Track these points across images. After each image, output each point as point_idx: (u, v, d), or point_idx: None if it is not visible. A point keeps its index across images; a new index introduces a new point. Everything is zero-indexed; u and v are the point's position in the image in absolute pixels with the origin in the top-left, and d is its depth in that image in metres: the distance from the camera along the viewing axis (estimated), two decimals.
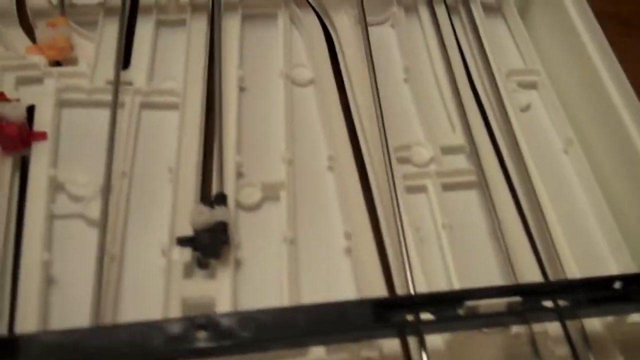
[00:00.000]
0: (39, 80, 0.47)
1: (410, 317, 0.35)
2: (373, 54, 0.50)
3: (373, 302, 0.35)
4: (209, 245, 0.39)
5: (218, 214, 0.40)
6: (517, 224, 0.44)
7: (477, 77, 0.52)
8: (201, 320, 0.33)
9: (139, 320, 0.33)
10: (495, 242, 0.43)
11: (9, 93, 0.46)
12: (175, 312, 0.38)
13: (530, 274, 0.42)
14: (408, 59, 0.52)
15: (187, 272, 0.40)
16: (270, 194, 0.44)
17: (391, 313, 0.35)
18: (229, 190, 0.43)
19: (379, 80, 0.49)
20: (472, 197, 0.46)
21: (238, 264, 0.41)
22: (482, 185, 0.45)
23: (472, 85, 0.51)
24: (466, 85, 0.51)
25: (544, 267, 0.43)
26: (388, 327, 0.35)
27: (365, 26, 0.51)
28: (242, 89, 0.49)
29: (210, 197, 0.42)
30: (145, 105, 0.47)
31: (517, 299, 0.36)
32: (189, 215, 0.40)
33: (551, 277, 0.42)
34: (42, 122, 0.45)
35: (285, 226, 0.42)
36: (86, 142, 0.45)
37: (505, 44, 0.56)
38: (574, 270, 0.42)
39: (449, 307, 0.36)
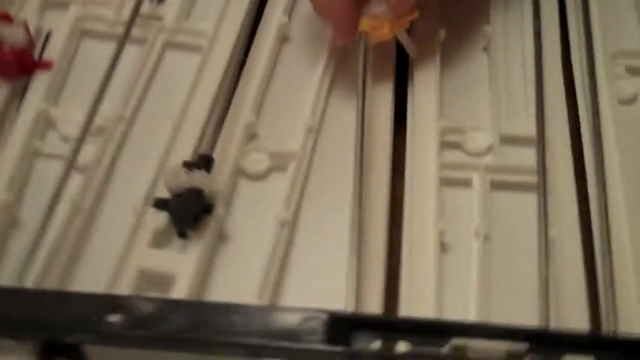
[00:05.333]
0: (65, 5, 0.43)
1: (373, 343, 0.28)
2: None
3: (331, 316, 0.28)
4: (181, 211, 0.34)
5: (194, 178, 0.34)
6: (576, 249, 0.34)
7: (576, 54, 0.41)
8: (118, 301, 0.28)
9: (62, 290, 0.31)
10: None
11: (31, 17, 0.42)
12: (128, 282, 0.33)
13: (575, 318, 0.32)
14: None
15: (158, 240, 0.35)
16: (280, 163, 0.38)
17: (352, 335, 0.28)
18: (232, 153, 0.37)
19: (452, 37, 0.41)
20: (528, 203, 0.36)
21: (221, 240, 0.35)
22: (541, 188, 0.35)
23: (566, 64, 0.41)
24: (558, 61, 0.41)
25: (599, 313, 0.32)
26: (340, 353, 0.28)
27: None
28: (284, 39, 0.43)
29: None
30: (169, 45, 0.42)
31: (522, 345, 0.27)
32: (164, 176, 0.34)
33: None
34: (54, 50, 0.41)
35: (282, 205, 0.36)
36: (98, 78, 0.41)
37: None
38: (636, 325, 0.32)
39: (428, 340, 0.28)
